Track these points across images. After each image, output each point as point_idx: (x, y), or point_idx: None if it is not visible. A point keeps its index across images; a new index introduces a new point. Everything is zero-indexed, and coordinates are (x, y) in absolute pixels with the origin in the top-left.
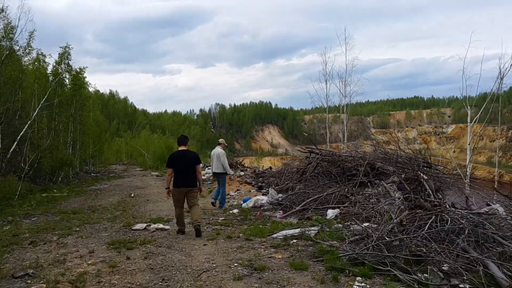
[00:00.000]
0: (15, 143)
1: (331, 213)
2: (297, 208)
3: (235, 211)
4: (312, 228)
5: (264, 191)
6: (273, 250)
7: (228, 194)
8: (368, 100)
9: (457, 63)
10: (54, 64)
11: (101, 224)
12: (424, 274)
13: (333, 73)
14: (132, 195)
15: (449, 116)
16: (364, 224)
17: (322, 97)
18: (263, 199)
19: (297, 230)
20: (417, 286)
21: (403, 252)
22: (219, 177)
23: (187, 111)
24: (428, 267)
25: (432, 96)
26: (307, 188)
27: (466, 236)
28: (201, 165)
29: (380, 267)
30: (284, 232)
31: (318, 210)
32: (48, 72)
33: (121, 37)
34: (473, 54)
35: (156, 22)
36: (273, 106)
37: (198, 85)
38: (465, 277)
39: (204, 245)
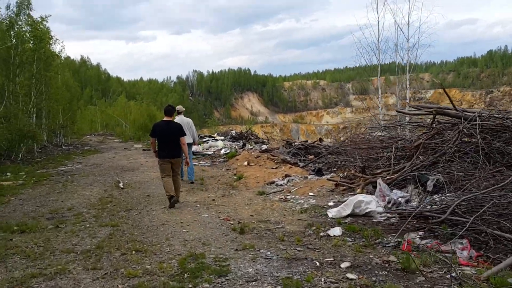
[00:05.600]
0: None
1: None
2: None
3: (336, 232)
4: None
5: (329, 176)
6: None
7: (274, 183)
8: (347, 66)
9: (432, 28)
10: (10, 13)
11: (70, 279)
12: None
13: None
14: (121, 184)
15: (427, 82)
16: None
17: (371, 45)
18: (370, 201)
19: None
20: None
21: None
22: (189, 148)
23: (164, 79)
24: None
25: (409, 61)
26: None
27: None
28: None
29: None
30: None
31: None
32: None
33: (91, 1)
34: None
35: None
36: (252, 73)
37: (173, 52)
38: None
39: None
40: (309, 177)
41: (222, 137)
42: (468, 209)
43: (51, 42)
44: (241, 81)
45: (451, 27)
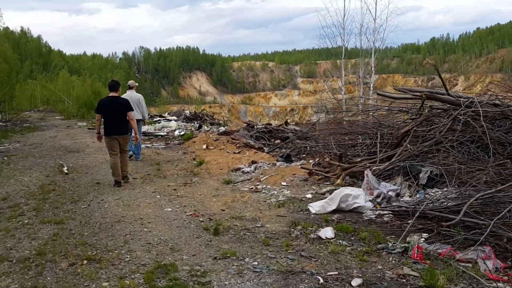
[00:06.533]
0: None
1: None
2: None
3: (328, 233)
4: None
5: (299, 163)
6: None
7: (240, 170)
8: (295, 49)
9: (383, 13)
10: None
11: None
12: None
13: None
14: (66, 169)
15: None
16: None
17: (336, 24)
18: (358, 195)
19: None
20: None
21: None
22: (138, 125)
23: (109, 54)
24: None
25: (356, 46)
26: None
27: None
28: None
29: None
30: None
31: None
32: None
33: None
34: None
35: None
36: (201, 52)
37: (119, 27)
38: None
39: None
40: (278, 163)
41: (175, 117)
42: (480, 208)
43: None
44: (189, 60)
45: (398, 13)
